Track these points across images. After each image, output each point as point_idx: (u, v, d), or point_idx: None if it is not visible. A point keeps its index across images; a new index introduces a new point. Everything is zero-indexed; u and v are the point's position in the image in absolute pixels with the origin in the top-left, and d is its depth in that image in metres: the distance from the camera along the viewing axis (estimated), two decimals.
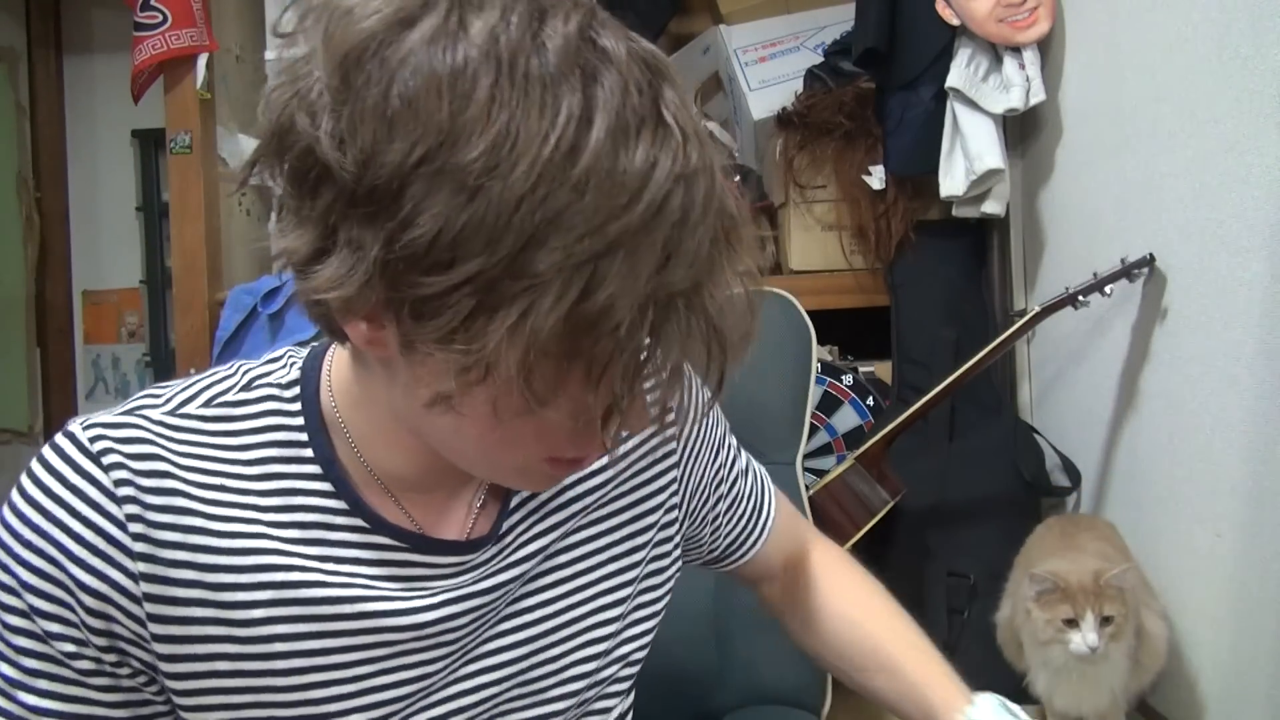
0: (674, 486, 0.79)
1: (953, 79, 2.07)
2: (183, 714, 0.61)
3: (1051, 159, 2.10)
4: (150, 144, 3.65)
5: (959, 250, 2.31)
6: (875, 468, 1.90)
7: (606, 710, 0.77)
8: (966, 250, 2.32)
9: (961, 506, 2.03)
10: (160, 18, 2.52)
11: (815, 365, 1.45)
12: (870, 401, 2.27)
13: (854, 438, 2.20)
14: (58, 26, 3.77)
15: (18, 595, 0.56)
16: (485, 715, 0.70)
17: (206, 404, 0.63)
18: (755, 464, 0.91)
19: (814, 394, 1.41)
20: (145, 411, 0.62)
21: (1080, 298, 1.72)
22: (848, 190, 2.36)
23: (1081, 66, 1.96)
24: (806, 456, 2.24)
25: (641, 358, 0.50)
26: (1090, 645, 1.32)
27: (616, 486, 0.75)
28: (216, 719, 0.61)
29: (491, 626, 0.70)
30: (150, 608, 0.58)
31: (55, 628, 0.57)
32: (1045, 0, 2.02)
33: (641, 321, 0.48)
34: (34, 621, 0.57)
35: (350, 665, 0.63)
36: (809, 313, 1.53)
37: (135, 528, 0.57)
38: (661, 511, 0.78)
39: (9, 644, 0.57)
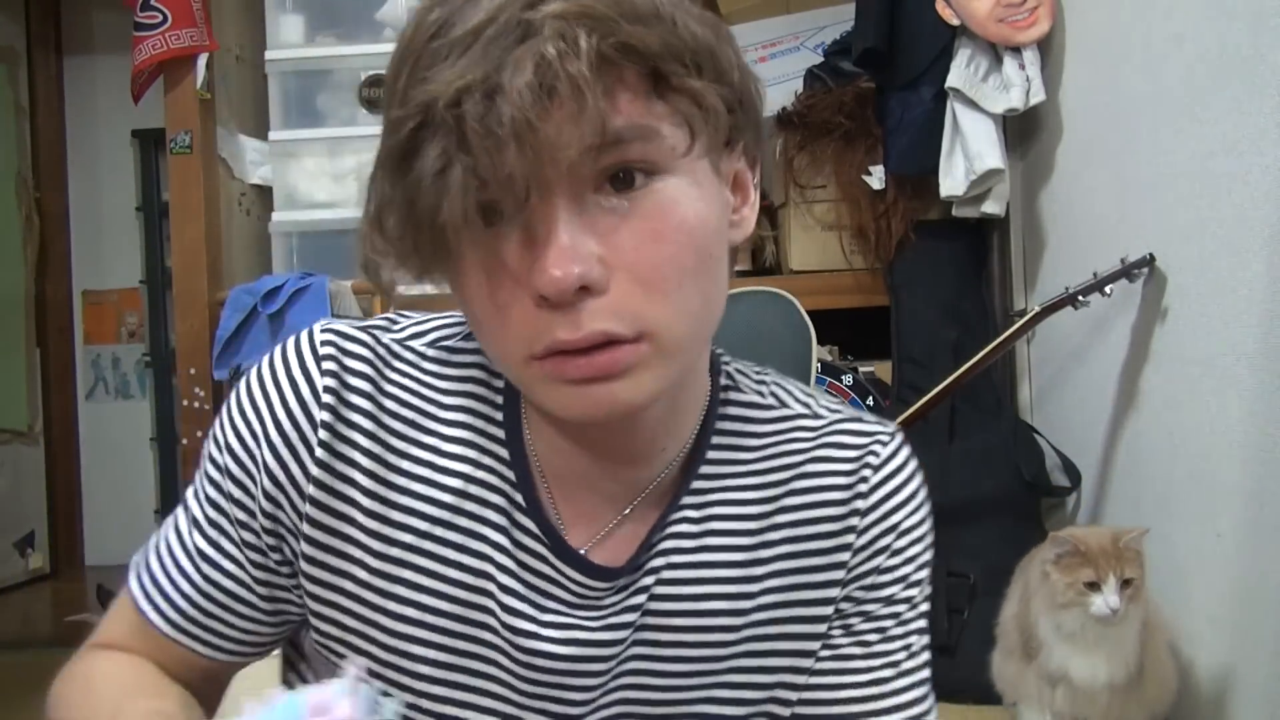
0: (836, 588, 0.64)
1: (953, 79, 2.07)
2: (311, 622, 0.63)
3: (1051, 159, 2.10)
4: (150, 144, 3.66)
5: (959, 250, 2.31)
6: None
7: None
8: (966, 250, 2.32)
9: (961, 506, 2.03)
10: (160, 18, 2.52)
11: (815, 365, 1.45)
12: (870, 401, 2.27)
13: None
14: (58, 26, 3.78)
15: (221, 452, 0.62)
16: None
17: (431, 343, 0.65)
18: (914, 701, 0.67)
19: None
20: (378, 332, 0.64)
21: (1080, 298, 1.72)
22: (848, 190, 2.36)
23: (1081, 66, 1.96)
24: None
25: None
26: (1112, 607, 1.34)
27: (773, 546, 0.64)
28: (330, 633, 0.62)
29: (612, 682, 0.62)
30: (311, 510, 0.60)
31: (237, 493, 0.61)
32: (1045, 0, 2.02)
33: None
34: (224, 479, 0.62)
35: (449, 654, 0.61)
36: (809, 313, 1.53)
37: (323, 435, 0.60)
38: (817, 602, 0.64)
39: (203, 487, 0.63)
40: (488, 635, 0.61)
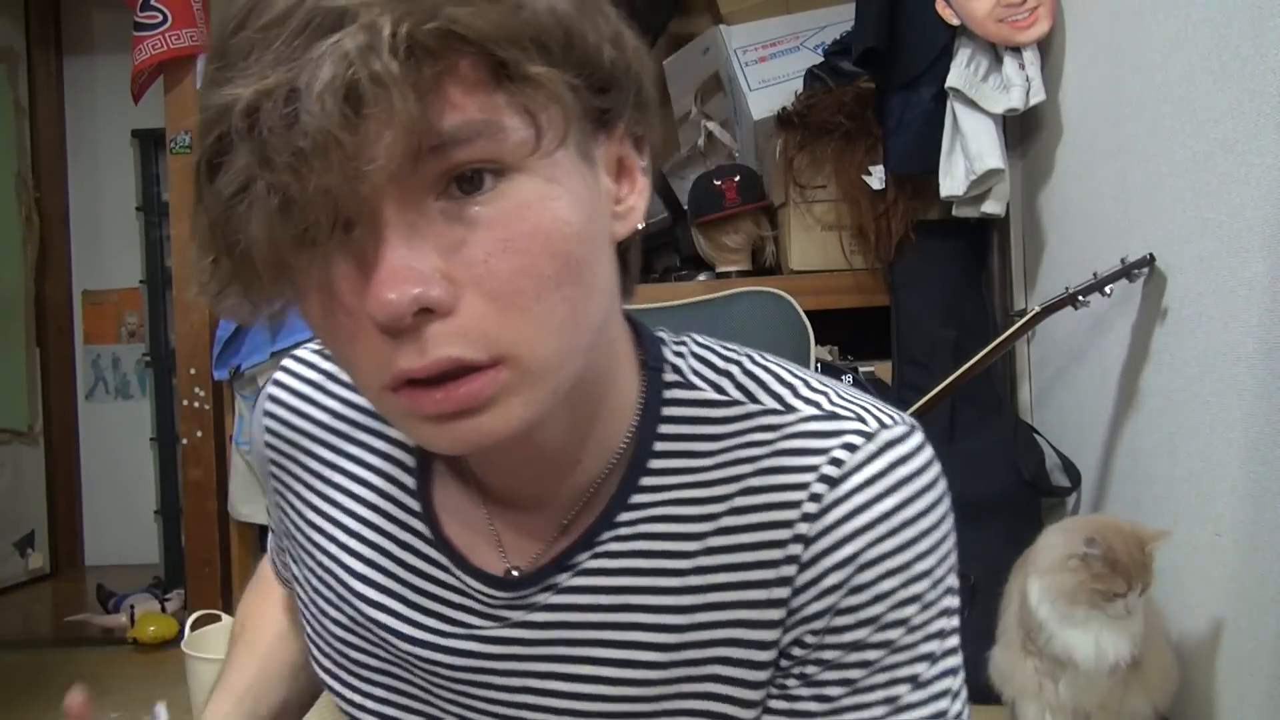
0: (776, 629, 0.54)
1: (953, 79, 2.07)
2: None
3: (1051, 159, 2.10)
4: (150, 144, 3.66)
5: (959, 250, 2.31)
6: None
7: None
8: (966, 250, 2.32)
9: (961, 506, 2.01)
10: (160, 18, 2.53)
11: (814, 364, 1.45)
12: None
13: None
14: (58, 26, 3.78)
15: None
16: None
17: None
18: None
19: None
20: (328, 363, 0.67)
21: (1080, 298, 1.72)
22: (848, 190, 2.36)
23: (1081, 66, 1.96)
24: None
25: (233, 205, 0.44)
26: (1130, 610, 1.38)
27: (710, 570, 0.55)
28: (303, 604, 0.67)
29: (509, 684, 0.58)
30: (280, 514, 0.68)
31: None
32: (1045, 0, 2.02)
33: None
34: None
35: (377, 662, 0.63)
36: (809, 313, 1.53)
37: (271, 468, 0.67)
38: (755, 643, 0.55)
39: None
40: (392, 652, 0.61)
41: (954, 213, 2.20)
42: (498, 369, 0.46)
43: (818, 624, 0.53)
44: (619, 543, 0.56)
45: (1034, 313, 1.79)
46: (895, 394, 2.26)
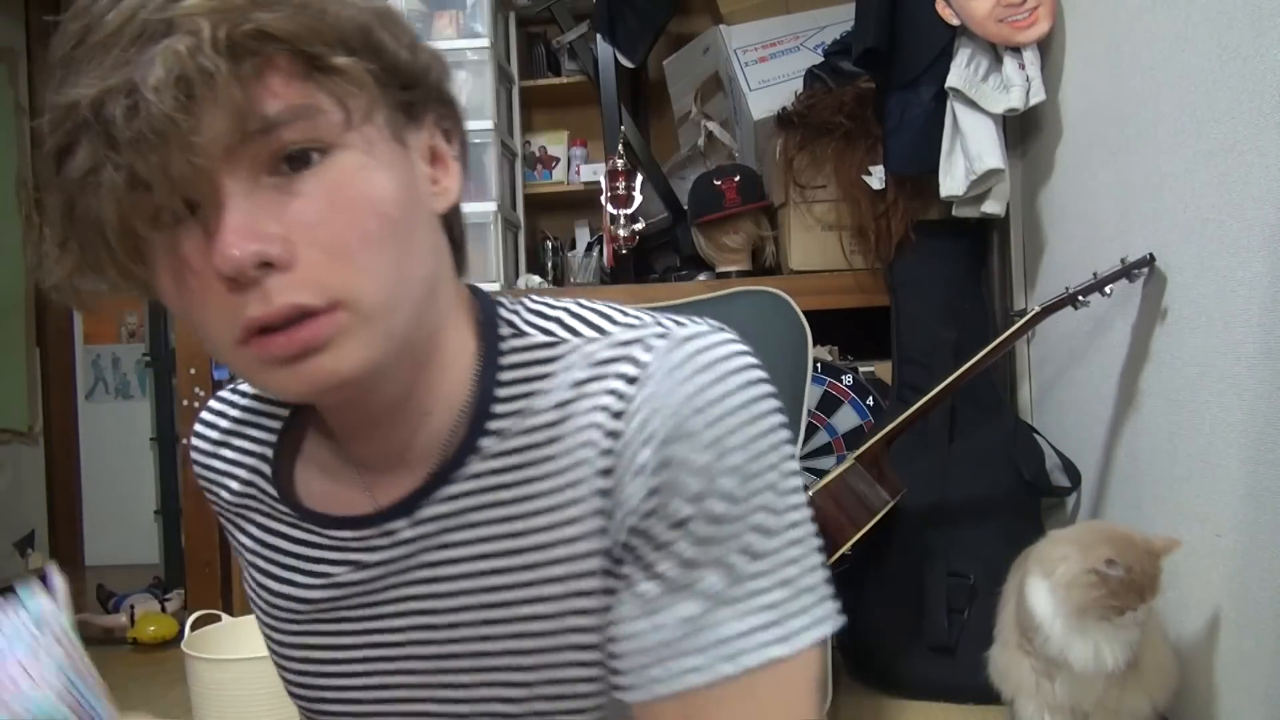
0: (602, 517, 0.58)
1: (953, 79, 2.07)
2: None
3: (1051, 159, 2.10)
4: None
5: (959, 250, 2.31)
6: (875, 468, 1.90)
7: None
8: (966, 250, 2.32)
9: (961, 506, 2.03)
10: None
11: (811, 364, 1.45)
12: (870, 401, 2.27)
13: (854, 438, 2.21)
14: (58, 27, 3.78)
15: None
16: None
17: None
18: (744, 634, 0.55)
19: (811, 393, 1.40)
20: (223, 393, 0.77)
21: (1080, 298, 1.72)
22: (848, 190, 2.36)
23: (1081, 66, 1.96)
24: (807, 456, 2.25)
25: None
26: (1138, 622, 1.39)
27: (549, 479, 0.59)
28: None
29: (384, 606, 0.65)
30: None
31: None
32: (1045, 0, 2.02)
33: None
34: None
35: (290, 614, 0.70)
36: (810, 313, 1.53)
37: (201, 484, 0.78)
38: (591, 535, 0.58)
39: None
40: (296, 613, 0.69)
41: (954, 213, 2.20)
42: (335, 312, 0.53)
43: (643, 508, 0.56)
44: (469, 481, 0.61)
45: (1034, 313, 1.79)
46: (895, 394, 2.26)
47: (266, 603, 0.71)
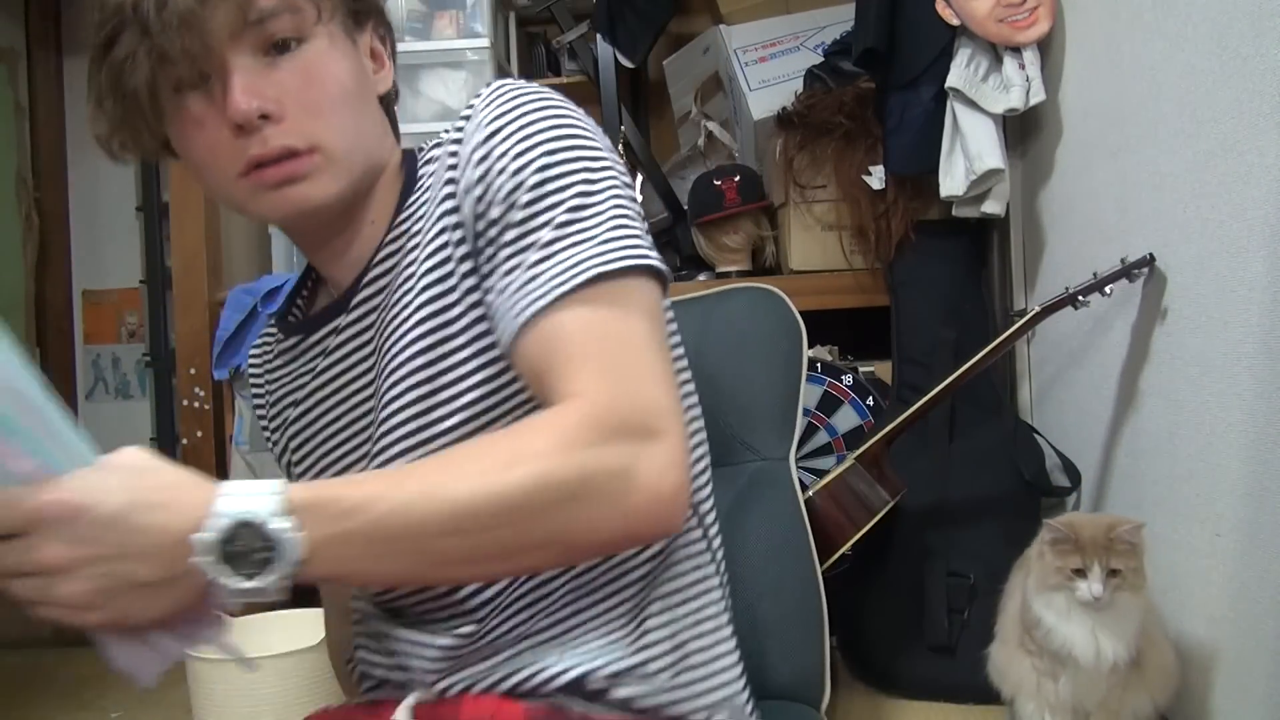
0: (460, 230, 0.77)
1: (953, 79, 2.07)
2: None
3: (1051, 159, 2.10)
4: None
5: (959, 250, 2.31)
6: (875, 468, 1.90)
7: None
8: (966, 250, 2.32)
9: (961, 506, 2.03)
10: None
11: (806, 362, 1.45)
12: (870, 401, 2.26)
13: (854, 438, 2.20)
14: (58, 26, 3.77)
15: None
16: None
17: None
18: (561, 272, 0.70)
19: (807, 391, 1.40)
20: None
21: (1080, 298, 1.72)
22: (848, 190, 2.36)
23: (1081, 66, 1.96)
24: (806, 456, 2.25)
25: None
26: (1094, 594, 1.37)
27: (434, 225, 0.80)
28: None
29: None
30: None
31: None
32: (1045, 0, 2.02)
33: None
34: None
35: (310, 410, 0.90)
36: (810, 313, 1.53)
37: (252, 378, 0.99)
38: (459, 255, 0.77)
39: None
40: (322, 409, 0.89)
41: (954, 213, 2.20)
42: (313, 154, 0.76)
43: (477, 197, 0.74)
44: (386, 253, 0.82)
45: (1034, 313, 1.79)
46: (895, 394, 2.26)
47: (293, 413, 0.91)
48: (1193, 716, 1.51)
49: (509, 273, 0.72)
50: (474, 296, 0.76)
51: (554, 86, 0.80)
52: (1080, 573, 1.39)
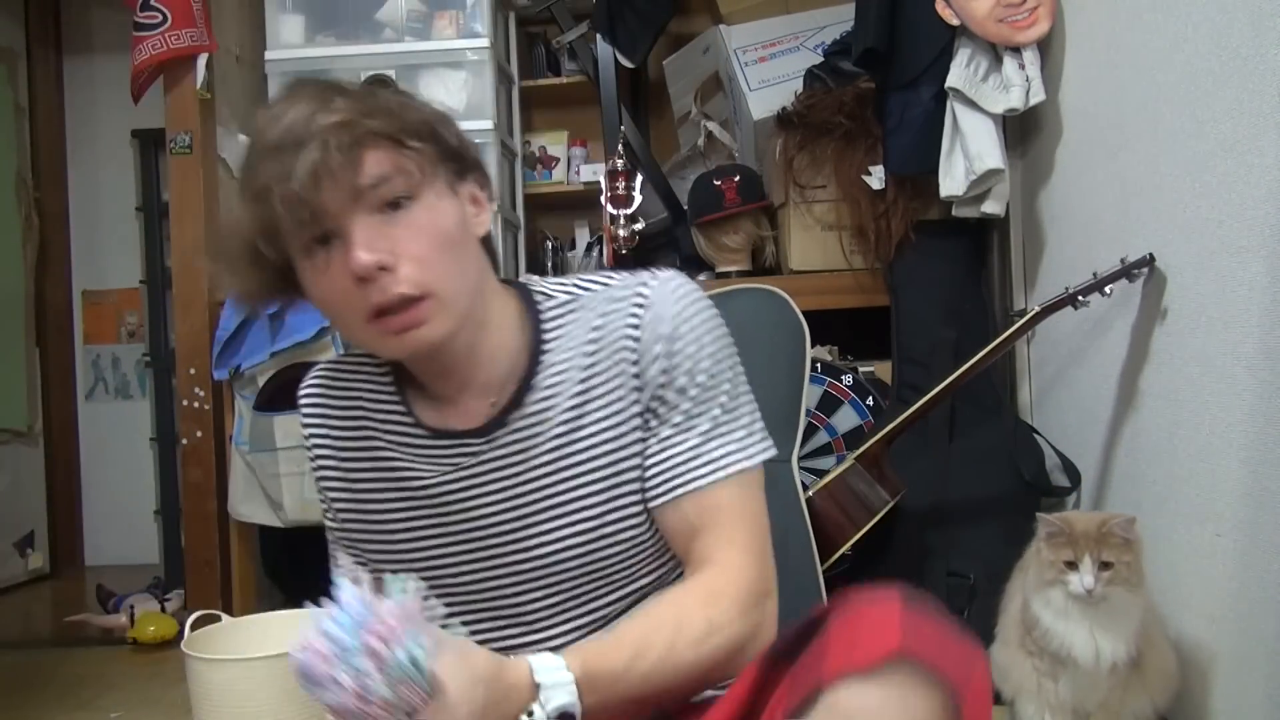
0: (636, 392, 0.93)
1: (953, 79, 2.07)
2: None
3: (1051, 159, 2.10)
4: (150, 144, 3.65)
5: (959, 250, 2.31)
6: (875, 468, 1.90)
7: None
8: (966, 250, 2.32)
9: (961, 506, 2.03)
10: (160, 18, 2.52)
11: (809, 363, 1.45)
12: (870, 401, 2.27)
13: (854, 438, 2.20)
14: (58, 26, 3.77)
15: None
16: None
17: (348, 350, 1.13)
18: (726, 454, 0.93)
19: (811, 393, 1.41)
20: (327, 360, 1.08)
21: (1080, 298, 1.72)
22: (848, 190, 2.36)
23: (1081, 66, 1.96)
24: (806, 456, 2.25)
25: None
26: (1086, 587, 1.38)
27: (597, 382, 0.94)
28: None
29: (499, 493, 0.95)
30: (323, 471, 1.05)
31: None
32: (1045, 0, 2.02)
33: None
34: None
35: (397, 518, 0.99)
36: (810, 313, 1.53)
37: (310, 437, 1.05)
38: (631, 406, 0.93)
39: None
40: (411, 499, 0.97)
41: (954, 213, 2.20)
42: (427, 300, 0.87)
43: (659, 380, 0.92)
44: (539, 393, 0.94)
45: (1034, 313, 1.79)
46: (895, 394, 2.26)
47: (379, 496, 0.99)
48: (1192, 716, 1.51)
49: (677, 436, 0.92)
50: (641, 448, 0.94)
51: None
52: (1073, 565, 1.40)
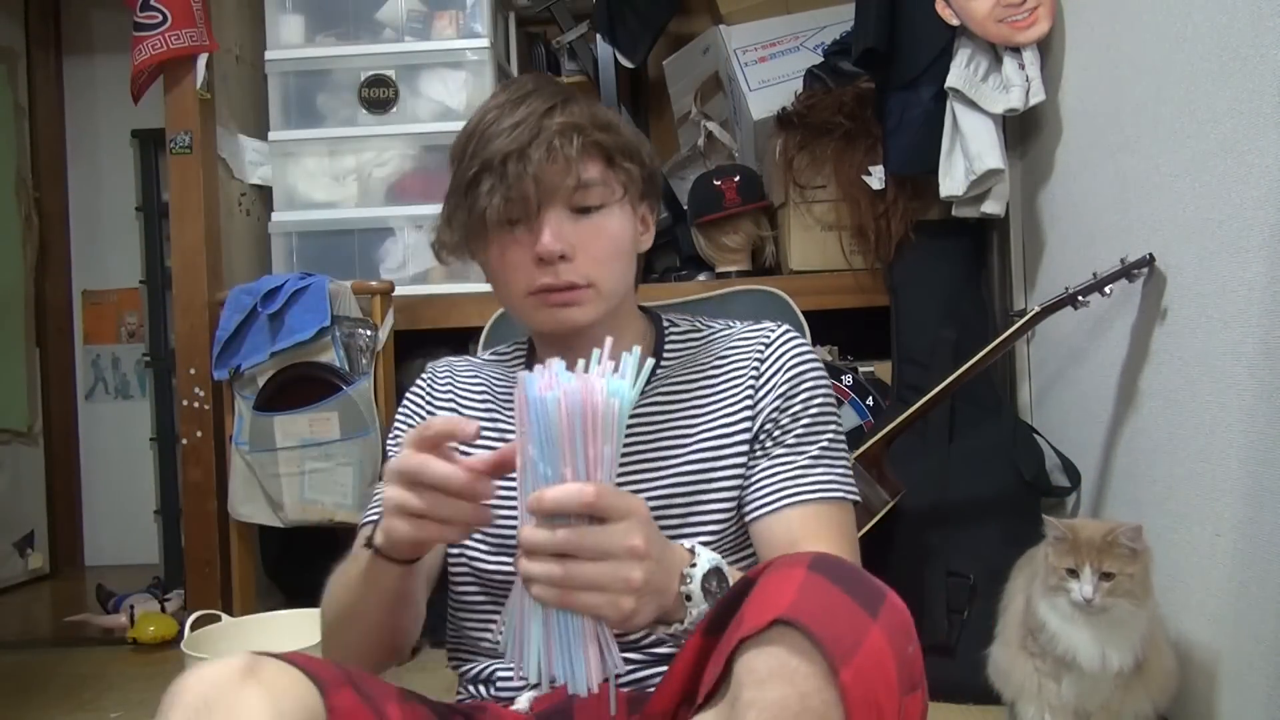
0: (751, 410, 1.03)
1: (952, 79, 2.07)
2: None
3: (1051, 159, 2.10)
4: (150, 144, 3.65)
5: (959, 250, 2.31)
6: (875, 468, 1.90)
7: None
8: (966, 250, 2.32)
9: (961, 506, 2.03)
10: (160, 18, 2.52)
11: None
12: (870, 401, 2.27)
13: (854, 438, 2.20)
14: (58, 26, 3.77)
15: (396, 431, 1.15)
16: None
17: (490, 353, 1.20)
18: (832, 481, 1.01)
19: None
20: (453, 356, 1.20)
21: (1080, 298, 1.72)
22: (848, 190, 2.36)
23: (1081, 66, 1.96)
24: None
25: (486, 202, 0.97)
26: (1085, 596, 1.37)
27: (712, 393, 1.05)
28: None
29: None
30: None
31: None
32: (1045, 0, 2.02)
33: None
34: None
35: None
36: (810, 313, 1.53)
37: (426, 401, 1.14)
38: (742, 420, 1.03)
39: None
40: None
41: (954, 213, 2.20)
42: (588, 288, 0.99)
43: (774, 407, 1.03)
44: (655, 389, 1.06)
45: (1034, 313, 1.79)
46: (895, 394, 2.26)
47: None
48: (1193, 717, 1.51)
49: (787, 456, 1.01)
50: (738, 460, 1.02)
51: None
52: (1074, 573, 1.39)
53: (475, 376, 1.14)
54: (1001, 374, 2.27)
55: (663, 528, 0.90)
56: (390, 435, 1.15)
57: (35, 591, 3.46)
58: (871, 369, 2.34)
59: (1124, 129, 1.74)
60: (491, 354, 1.19)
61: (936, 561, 1.99)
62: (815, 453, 1.01)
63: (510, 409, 1.05)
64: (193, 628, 1.84)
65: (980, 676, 1.60)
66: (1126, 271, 1.65)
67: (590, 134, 0.96)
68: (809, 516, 0.98)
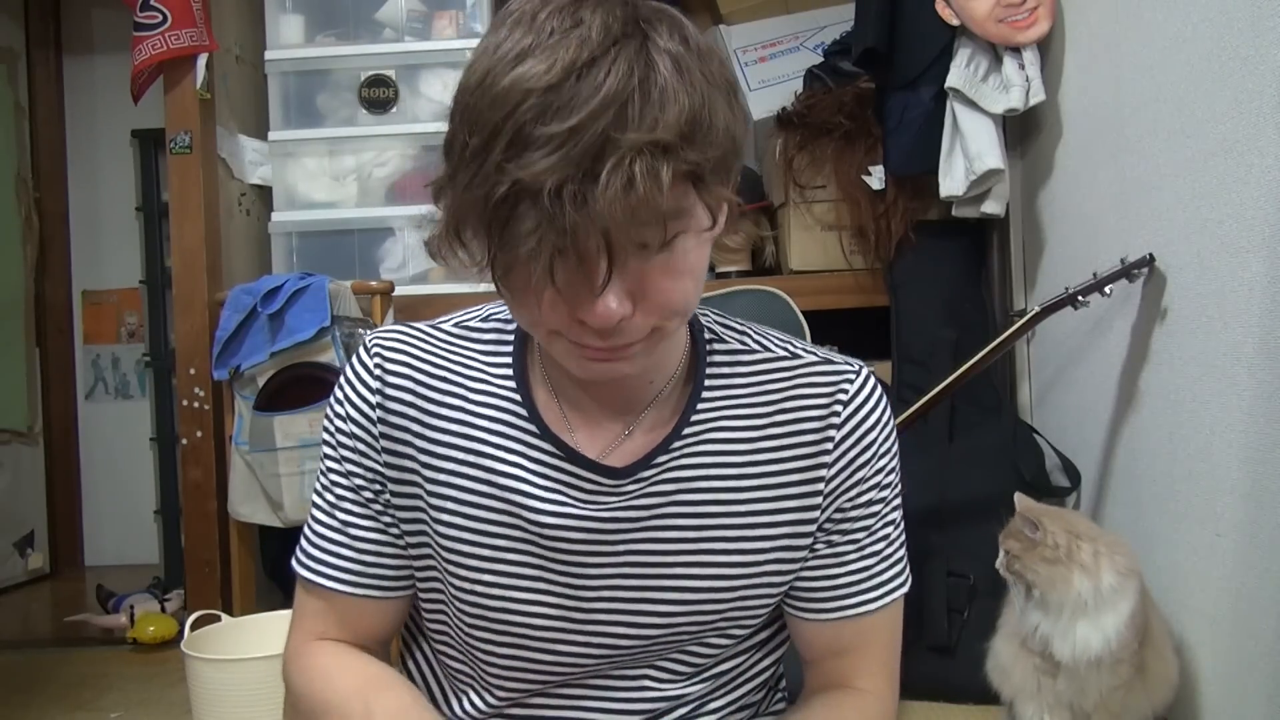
0: (817, 497, 0.83)
1: (953, 79, 2.07)
2: (405, 540, 0.85)
3: (1051, 159, 2.10)
4: (150, 144, 3.65)
5: (959, 250, 2.31)
6: None
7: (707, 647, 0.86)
8: (966, 250, 2.32)
9: (961, 506, 2.03)
10: (160, 18, 2.52)
11: None
12: None
13: None
14: (58, 26, 3.77)
15: (332, 444, 0.85)
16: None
17: (455, 324, 0.87)
18: (892, 577, 0.87)
19: None
20: (414, 323, 0.87)
21: (1080, 298, 1.72)
22: (848, 190, 2.36)
23: (1081, 66, 1.96)
24: None
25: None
26: (996, 566, 1.54)
27: (761, 464, 0.82)
28: (413, 544, 0.84)
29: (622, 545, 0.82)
30: (386, 458, 0.83)
31: (349, 465, 0.84)
32: (1045, 0, 2.02)
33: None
34: (339, 461, 0.85)
35: (494, 543, 0.81)
36: (810, 313, 1.53)
37: (377, 398, 0.83)
38: (800, 509, 0.83)
39: (325, 475, 0.86)
40: (520, 530, 0.80)
41: (954, 213, 2.20)
42: (648, 338, 0.71)
43: (849, 494, 0.83)
44: (687, 446, 0.81)
45: (1034, 313, 1.79)
46: (895, 394, 2.27)
47: (509, 511, 0.81)
48: (1193, 717, 1.51)
49: (851, 554, 0.85)
50: (799, 552, 0.84)
51: None
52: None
53: (441, 371, 0.84)
54: (1001, 374, 2.27)
55: (690, 626, 0.82)
56: (323, 448, 0.86)
57: (35, 591, 3.46)
58: (871, 369, 2.34)
59: (1124, 129, 1.74)
60: (457, 326, 0.87)
61: (936, 561, 1.99)
62: (879, 547, 0.85)
63: (496, 435, 0.81)
64: (193, 628, 1.84)
65: (980, 677, 1.60)
66: (1126, 271, 1.65)
67: (681, 154, 0.62)
68: (864, 627, 0.86)
